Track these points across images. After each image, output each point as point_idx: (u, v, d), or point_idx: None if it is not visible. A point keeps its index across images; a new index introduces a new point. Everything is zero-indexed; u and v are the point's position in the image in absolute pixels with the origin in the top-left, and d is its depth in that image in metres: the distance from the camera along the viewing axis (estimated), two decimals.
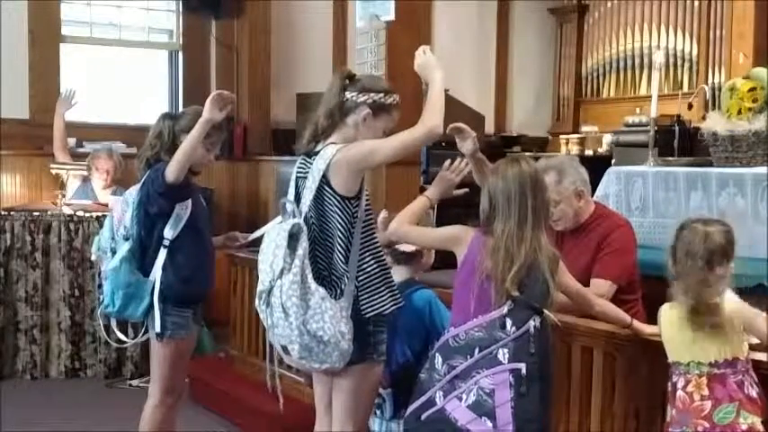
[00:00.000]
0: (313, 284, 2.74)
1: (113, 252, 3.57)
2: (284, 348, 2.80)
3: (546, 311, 2.72)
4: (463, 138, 3.20)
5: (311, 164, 2.86)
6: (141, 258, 3.49)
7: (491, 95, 8.64)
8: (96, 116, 6.92)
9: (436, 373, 2.75)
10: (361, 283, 2.82)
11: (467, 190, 3.27)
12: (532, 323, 2.68)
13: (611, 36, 8.18)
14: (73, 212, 5.69)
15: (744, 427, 2.53)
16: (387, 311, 2.86)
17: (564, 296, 3.02)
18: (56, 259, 5.65)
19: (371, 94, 2.87)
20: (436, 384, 2.73)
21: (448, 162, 3.23)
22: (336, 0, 7.63)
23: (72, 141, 6.35)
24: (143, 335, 3.64)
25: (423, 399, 2.74)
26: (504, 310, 2.69)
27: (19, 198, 6.37)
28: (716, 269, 2.59)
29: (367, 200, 2.89)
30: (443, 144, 5.85)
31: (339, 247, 2.81)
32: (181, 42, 7.48)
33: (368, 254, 2.84)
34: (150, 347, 3.61)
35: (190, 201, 3.48)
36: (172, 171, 3.34)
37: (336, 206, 2.81)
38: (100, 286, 3.69)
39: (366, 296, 2.82)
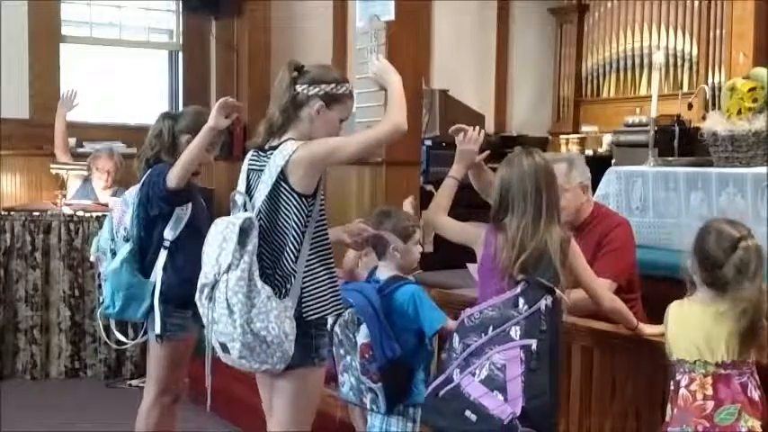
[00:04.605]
0: (259, 282, 2.65)
1: (113, 253, 3.56)
2: (223, 346, 2.71)
3: (558, 291, 2.75)
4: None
5: (266, 158, 2.77)
6: (141, 259, 3.49)
7: (491, 95, 8.62)
8: (96, 116, 6.91)
9: (453, 351, 2.79)
10: (306, 285, 2.74)
11: (488, 152, 3.26)
12: (544, 302, 2.73)
13: (611, 36, 8.17)
14: (73, 212, 5.69)
15: (743, 429, 2.52)
16: (328, 315, 2.80)
17: (571, 297, 3.01)
18: (56, 259, 5.65)
19: (322, 86, 2.79)
20: (453, 363, 2.77)
21: (462, 135, 3.19)
22: (336, 0, 7.62)
23: (72, 141, 6.35)
24: (142, 335, 3.64)
25: (442, 377, 2.79)
26: (518, 290, 2.74)
27: (19, 198, 6.36)
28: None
29: (322, 200, 2.80)
30: (444, 144, 5.89)
31: (290, 246, 2.72)
32: (181, 42, 7.47)
33: (316, 255, 2.76)
34: (148, 348, 3.61)
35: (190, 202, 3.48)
36: (174, 177, 3.32)
37: (292, 204, 2.72)
38: (100, 287, 3.68)
39: (310, 298, 2.74)
